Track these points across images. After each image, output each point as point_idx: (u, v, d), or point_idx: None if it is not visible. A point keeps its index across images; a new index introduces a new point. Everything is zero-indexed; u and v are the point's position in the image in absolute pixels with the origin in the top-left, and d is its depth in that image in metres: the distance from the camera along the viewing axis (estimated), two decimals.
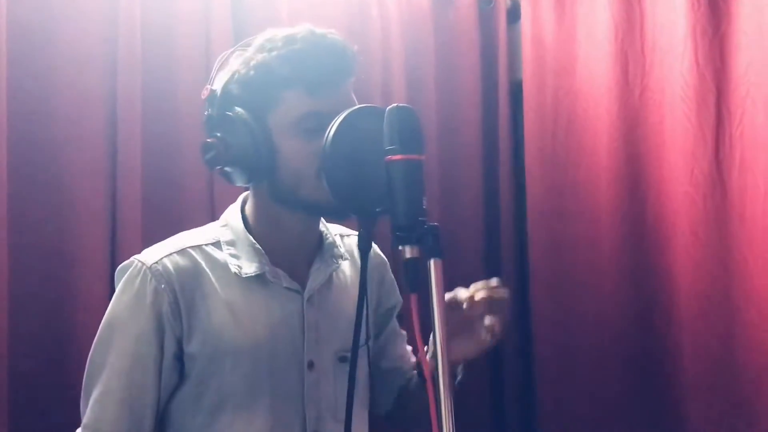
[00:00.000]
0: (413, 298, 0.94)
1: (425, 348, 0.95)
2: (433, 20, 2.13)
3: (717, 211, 1.92)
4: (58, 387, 1.63)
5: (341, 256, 1.25)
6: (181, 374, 1.16)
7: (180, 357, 1.15)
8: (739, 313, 1.89)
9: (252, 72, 1.11)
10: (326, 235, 1.25)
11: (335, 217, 1.19)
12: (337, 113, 1.05)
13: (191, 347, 1.14)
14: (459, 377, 1.18)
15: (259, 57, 1.12)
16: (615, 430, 2.05)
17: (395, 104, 0.97)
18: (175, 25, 1.79)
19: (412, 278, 0.94)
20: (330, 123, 1.05)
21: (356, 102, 1.13)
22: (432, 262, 0.92)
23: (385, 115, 0.96)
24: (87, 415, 1.13)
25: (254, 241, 1.17)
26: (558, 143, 2.17)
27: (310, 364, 1.18)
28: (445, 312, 0.91)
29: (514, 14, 2.26)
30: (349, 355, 1.20)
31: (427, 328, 0.93)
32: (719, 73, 1.92)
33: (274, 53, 1.11)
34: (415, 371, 1.34)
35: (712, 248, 1.92)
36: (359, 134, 1.02)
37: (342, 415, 1.15)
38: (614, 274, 2.07)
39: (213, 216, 1.77)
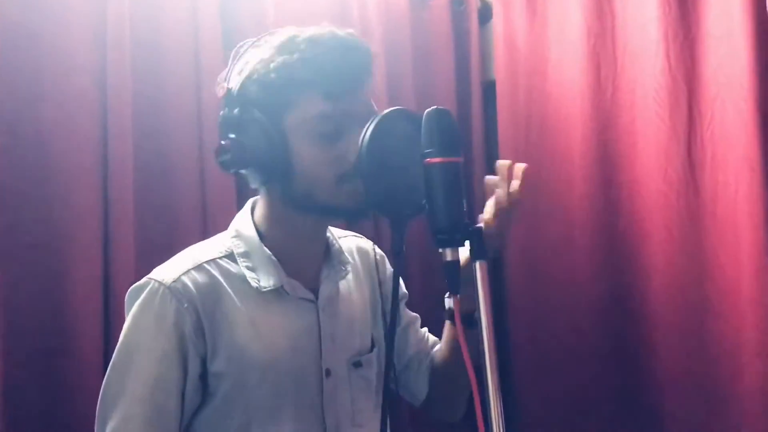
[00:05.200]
0: (455, 301, 0.95)
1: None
2: (410, 22, 2.14)
3: (690, 208, 1.97)
4: (51, 398, 1.58)
5: (348, 263, 1.25)
6: (204, 393, 1.13)
7: (204, 376, 1.12)
8: (711, 306, 1.94)
9: (273, 75, 1.09)
10: (332, 241, 1.24)
11: (351, 222, 1.19)
12: (353, 118, 1.07)
13: (216, 366, 1.11)
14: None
15: (281, 59, 1.10)
16: (591, 421, 2.09)
17: (434, 107, 0.97)
18: (163, 20, 1.76)
19: (454, 281, 0.95)
20: (346, 127, 1.07)
21: (374, 106, 1.13)
22: (477, 264, 0.92)
23: (424, 118, 0.96)
24: None
25: (269, 252, 1.15)
26: (531, 144, 2.20)
27: (327, 372, 1.17)
28: (492, 315, 0.91)
29: (485, 15, 2.28)
30: (362, 359, 1.21)
31: None
32: (690, 74, 1.98)
33: (296, 56, 1.09)
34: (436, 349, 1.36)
35: (686, 245, 1.97)
36: (392, 137, 1.02)
37: (359, 419, 1.16)
38: (589, 272, 2.11)
39: (205, 213, 1.74)
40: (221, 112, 1.12)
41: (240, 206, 1.74)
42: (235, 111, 1.10)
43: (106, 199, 1.65)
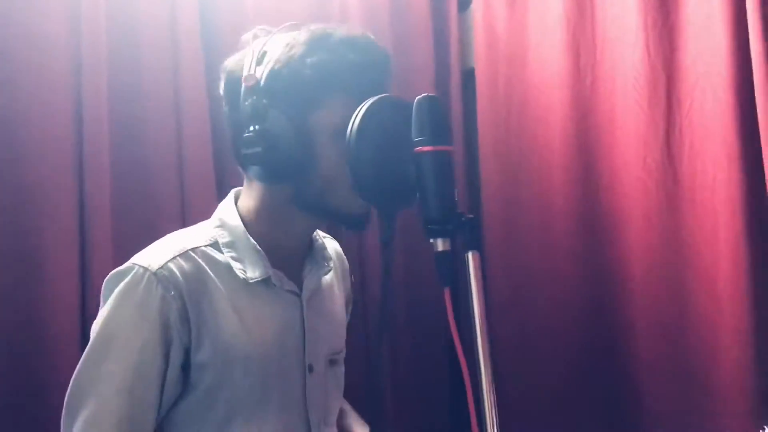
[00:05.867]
0: (447, 292, 0.93)
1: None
2: (390, 8, 2.11)
3: (668, 196, 1.97)
4: (24, 394, 1.53)
5: (330, 259, 1.24)
6: (185, 385, 1.10)
7: (186, 367, 1.09)
8: (689, 293, 1.95)
9: (308, 71, 1.06)
10: (315, 237, 1.23)
11: (353, 229, 1.17)
12: None
13: (200, 356, 1.08)
14: None
15: (317, 57, 1.06)
16: (572, 409, 2.10)
17: (424, 94, 0.95)
18: (139, 8, 1.71)
19: (445, 272, 0.93)
20: None
21: None
22: (470, 254, 0.91)
23: (414, 105, 0.95)
24: None
25: (255, 243, 1.12)
26: (511, 132, 2.19)
27: (310, 368, 1.16)
28: (484, 306, 0.90)
29: (464, 2, 2.27)
30: (338, 357, 1.20)
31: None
32: (669, 62, 1.97)
33: (333, 56, 1.07)
34: None
35: (664, 232, 1.97)
36: (380, 125, 1.00)
37: (330, 419, 1.16)
38: (569, 260, 2.11)
39: (183, 203, 1.70)
40: (246, 102, 1.06)
41: (220, 194, 1.72)
42: (262, 102, 1.05)
43: (82, 189, 1.61)
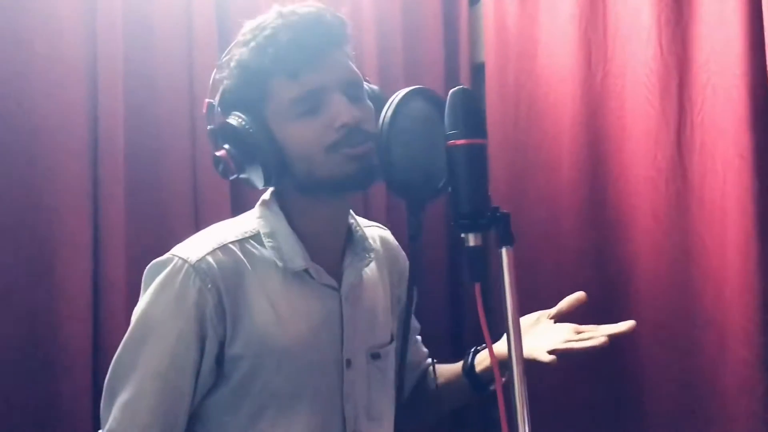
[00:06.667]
0: (477, 288, 0.92)
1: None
2: (401, 3, 2.11)
3: (678, 195, 1.97)
4: (36, 386, 1.51)
5: (372, 250, 1.22)
6: (219, 376, 1.10)
7: (220, 360, 1.09)
8: (697, 292, 1.94)
9: (235, 71, 1.09)
10: (355, 227, 1.22)
11: (352, 190, 1.16)
12: (327, 87, 1.05)
13: (234, 349, 1.08)
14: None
15: (236, 54, 1.10)
16: (576, 409, 2.10)
17: (459, 86, 0.94)
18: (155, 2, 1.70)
19: (476, 267, 0.93)
20: (323, 98, 1.06)
21: (351, 68, 1.11)
22: (504, 250, 0.90)
23: (448, 97, 0.94)
24: (113, 420, 1.05)
25: (295, 234, 1.13)
26: (520, 127, 2.18)
27: (348, 363, 1.15)
28: (518, 303, 0.89)
29: None
30: (380, 351, 1.19)
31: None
32: (681, 60, 1.96)
33: (250, 46, 1.09)
34: (429, 362, 1.35)
35: (673, 231, 1.97)
36: (412, 117, 0.99)
37: (375, 413, 1.15)
38: (575, 257, 2.10)
39: (196, 200, 1.69)
40: (208, 126, 1.12)
41: (233, 196, 1.70)
42: (219, 120, 1.10)
43: (95, 182, 1.60)
